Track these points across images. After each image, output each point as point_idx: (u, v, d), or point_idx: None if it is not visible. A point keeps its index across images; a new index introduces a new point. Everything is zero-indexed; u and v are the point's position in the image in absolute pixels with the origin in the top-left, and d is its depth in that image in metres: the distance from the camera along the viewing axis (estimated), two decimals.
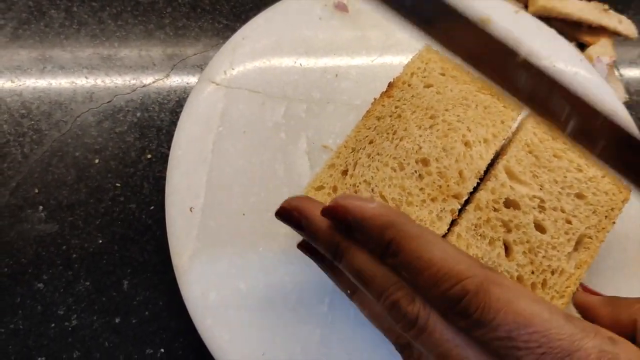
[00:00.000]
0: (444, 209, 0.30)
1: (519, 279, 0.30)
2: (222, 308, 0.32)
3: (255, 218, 0.35)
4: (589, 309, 0.28)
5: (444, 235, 0.31)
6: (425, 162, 0.31)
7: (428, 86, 0.34)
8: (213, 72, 0.38)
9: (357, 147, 0.32)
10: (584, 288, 0.30)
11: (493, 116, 0.34)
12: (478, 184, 0.32)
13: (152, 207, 0.38)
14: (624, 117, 0.42)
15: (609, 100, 0.43)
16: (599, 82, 0.43)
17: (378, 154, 0.32)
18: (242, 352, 0.31)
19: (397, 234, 0.23)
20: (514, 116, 0.34)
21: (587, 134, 0.23)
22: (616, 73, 0.50)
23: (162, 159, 0.40)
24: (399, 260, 0.22)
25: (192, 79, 0.43)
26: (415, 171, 0.31)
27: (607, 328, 0.22)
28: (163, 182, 0.38)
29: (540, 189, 0.32)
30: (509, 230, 0.31)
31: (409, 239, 0.22)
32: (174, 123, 0.41)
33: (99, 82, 0.42)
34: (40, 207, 0.37)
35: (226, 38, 0.42)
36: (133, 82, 0.42)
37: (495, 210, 0.31)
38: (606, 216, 0.33)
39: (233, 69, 0.39)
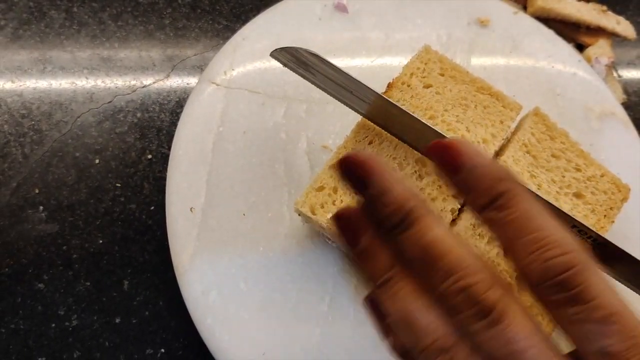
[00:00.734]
0: (443, 208, 0.30)
1: (518, 278, 0.30)
2: (223, 308, 0.32)
3: (255, 218, 0.35)
4: None
5: None
6: (424, 162, 0.32)
7: (427, 86, 0.34)
8: (213, 72, 0.38)
9: (356, 147, 0.32)
10: None
11: (492, 116, 0.34)
12: None
13: (152, 207, 0.39)
14: (622, 118, 0.42)
15: (608, 100, 0.43)
16: (597, 83, 0.43)
17: (377, 154, 0.32)
18: (243, 351, 0.32)
19: (512, 188, 0.21)
20: (513, 116, 0.34)
21: None
22: (614, 74, 0.50)
23: (163, 159, 0.40)
24: (504, 214, 0.20)
25: (192, 80, 0.43)
26: (415, 171, 0.31)
27: None
28: (163, 182, 0.38)
29: (538, 188, 0.32)
30: None
31: (523, 197, 0.21)
32: (174, 123, 0.41)
33: (99, 82, 0.42)
34: (41, 208, 0.37)
35: (226, 39, 0.42)
36: (133, 82, 0.42)
37: None
38: (605, 215, 0.33)
39: (233, 69, 0.39)
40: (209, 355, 0.32)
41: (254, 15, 0.42)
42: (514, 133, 0.35)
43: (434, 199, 0.31)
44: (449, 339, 0.20)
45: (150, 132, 0.41)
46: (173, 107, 0.42)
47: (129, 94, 0.42)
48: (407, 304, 0.21)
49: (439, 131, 0.29)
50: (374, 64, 0.41)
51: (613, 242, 0.29)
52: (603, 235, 0.32)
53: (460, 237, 0.25)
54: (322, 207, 0.31)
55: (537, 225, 0.20)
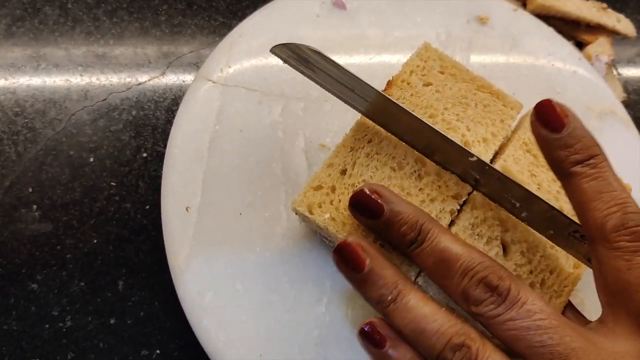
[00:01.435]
0: (443, 209, 0.30)
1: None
2: (219, 309, 0.32)
3: (252, 217, 0.34)
4: None
5: None
6: (424, 161, 0.31)
7: (427, 84, 0.34)
8: (209, 70, 0.38)
9: (355, 146, 0.31)
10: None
11: (493, 115, 0.33)
12: None
13: (147, 207, 0.38)
14: (622, 117, 0.42)
15: (608, 99, 0.43)
16: (597, 82, 0.43)
17: (377, 153, 0.31)
18: (239, 353, 0.31)
19: (602, 154, 0.25)
20: (514, 115, 0.34)
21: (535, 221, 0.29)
22: (614, 72, 0.50)
23: (158, 158, 0.40)
24: (596, 171, 0.25)
25: (188, 77, 0.43)
26: (415, 171, 0.31)
27: None
28: (159, 181, 0.37)
29: (539, 188, 0.32)
30: (506, 230, 0.31)
31: (607, 163, 0.25)
32: (169, 121, 0.41)
33: (93, 80, 0.41)
34: (34, 207, 0.37)
35: (222, 35, 0.41)
36: (128, 80, 0.42)
37: (491, 209, 0.31)
38: None
39: (229, 66, 0.38)
40: (204, 356, 0.31)
41: (251, 12, 0.41)
42: (514, 132, 0.35)
43: (433, 199, 0.30)
44: (461, 336, 0.23)
45: (146, 130, 0.40)
46: (169, 104, 0.42)
47: (124, 91, 0.41)
48: (417, 311, 0.24)
49: (439, 131, 0.29)
50: (372, 62, 0.41)
51: None
52: None
53: (462, 240, 0.27)
54: (320, 206, 0.30)
55: (616, 187, 0.24)
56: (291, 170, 0.36)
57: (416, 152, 0.31)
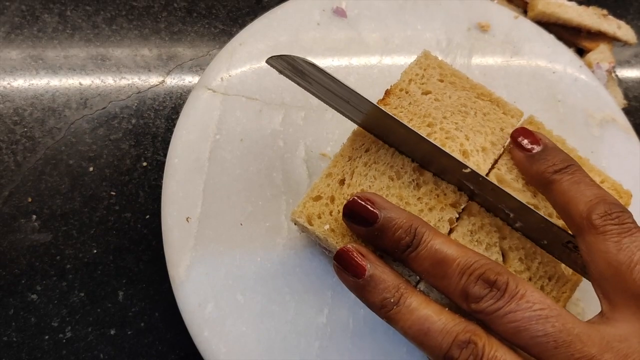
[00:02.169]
0: (441, 218, 0.30)
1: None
2: (220, 320, 0.32)
3: (253, 228, 0.34)
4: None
5: None
6: (422, 170, 0.31)
7: (426, 93, 0.33)
8: (210, 78, 0.38)
9: (353, 155, 0.31)
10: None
11: (492, 123, 0.33)
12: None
13: (147, 216, 0.38)
14: (623, 125, 0.42)
15: (609, 107, 0.43)
16: (598, 89, 0.43)
17: (375, 162, 0.31)
18: None
19: (575, 164, 0.29)
20: (514, 123, 0.34)
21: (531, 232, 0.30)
22: (615, 79, 0.50)
23: (158, 167, 0.39)
24: (570, 177, 0.28)
25: (188, 85, 0.43)
26: (413, 180, 0.31)
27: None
28: (159, 190, 0.37)
29: (534, 196, 0.32)
30: (503, 237, 0.31)
31: (581, 169, 0.29)
32: (169, 130, 0.41)
33: (93, 88, 0.41)
34: (34, 217, 0.37)
35: (222, 43, 0.41)
36: (128, 88, 0.42)
37: (489, 216, 0.31)
38: None
39: (230, 75, 0.38)
40: None
41: (251, 20, 0.41)
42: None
43: (432, 208, 0.30)
44: (467, 333, 0.23)
45: (146, 138, 0.40)
46: (168, 113, 0.41)
47: (123, 99, 0.41)
48: (420, 313, 0.24)
49: (434, 143, 0.29)
50: (372, 70, 0.41)
51: None
52: None
53: (456, 241, 0.27)
54: (319, 217, 0.30)
55: (594, 185, 0.27)
56: (292, 179, 0.36)
57: (414, 162, 0.31)
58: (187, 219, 0.34)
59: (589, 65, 0.47)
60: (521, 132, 0.31)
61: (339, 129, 0.38)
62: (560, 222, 0.31)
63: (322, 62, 0.40)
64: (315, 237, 0.31)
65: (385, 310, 0.25)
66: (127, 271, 0.36)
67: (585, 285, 0.30)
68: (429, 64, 0.34)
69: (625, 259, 0.24)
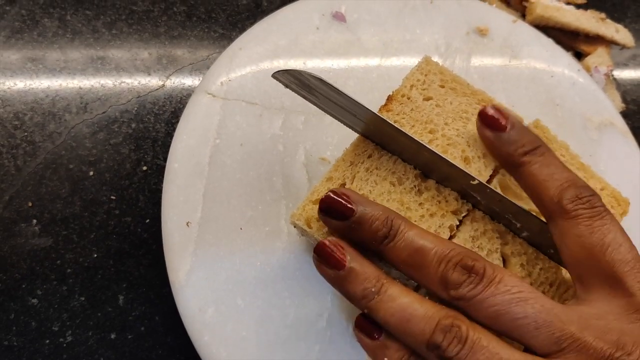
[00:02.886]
0: (442, 224, 0.30)
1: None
2: (220, 324, 0.32)
3: (253, 232, 0.34)
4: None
5: None
6: (424, 177, 0.31)
7: (427, 99, 0.34)
8: (209, 83, 0.38)
9: (355, 161, 0.31)
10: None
11: None
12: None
13: (147, 220, 0.38)
14: (621, 128, 0.42)
15: (607, 110, 0.43)
16: (596, 93, 0.43)
17: (376, 168, 0.31)
18: None
19: (543, 145, 0.29)
20: None
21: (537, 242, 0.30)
22: (613, 82, 0.50)
23: (158, 171, 0.39)
24: (541, 158, 0.28)
25: (187, 89, 0.43)
26: (415, 186, 0.31)
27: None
28: (159, 194, 0.37)
29: None
30: (505, 243, 0.31)
31: (550, 150, 0.29)
32: (169, 134, 0.41)
33: (93, 92, 0.41)
34: (34, 221, 0.37)
35: (222, 47, 0.41)
36: (128, 92, 0.42)
37: (491, 222, 0.31)
38: None
39: (230, 80, 0.38)
40: None
41: (251, 24, 0.41)
42: None
43: (433, 214, 0.30)
44: (449, 317, 0.23)
45: (146, 143, 0.40)
46: (168, 117, 0.41)
47: (123, 104, 0.41)
48: (402, 300, 0.24)
49: (436, 152, 0.29)
50: (372, 74, 0.41)
51: None
52: None
53: (431, 232, 0.28)
54: (319, 220, 0.30)
55: (564, 169, 0.27)
56: (291, 184, 0.36)
57: (416, 169, 0.31)
58: (187, 223, 0.34)
59: (587, 69, 0.47)
60: (489, 110, 0.30)
61: (339, 133, 0.38)
62: None
63: (322, 66, 0.40)
64: (314, 240, 0.31)
65: (366, 300, 0.25)
66: (127, 275, 0.36)
67: None
68: (430, 69, 0.34)
69: (598, 242, 0.24)
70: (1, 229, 0.36)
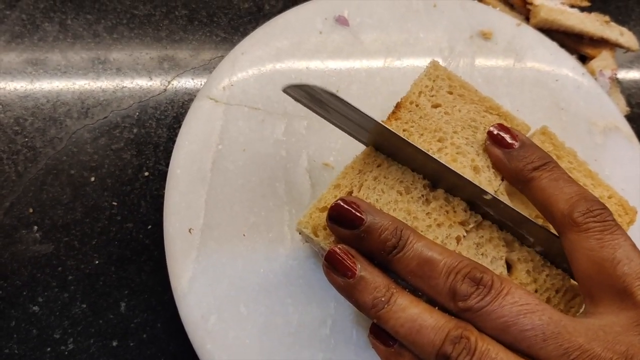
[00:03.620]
0: (449, 235, 0.30)
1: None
2: (223, 332, 0.32)
3: (256, 238, 0.34)
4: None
5: None
6: (432, 187, 0.31)
7: (436, 106, 0.33)
8: (212, 88, 0.38)
9: (364, 169, 0.31)
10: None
11: None
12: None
13: (149, 227, 0.38)
14: (626, 132, 0.42)
15: (612, 114, 0.42)
16: (601, 97, 0.43)
17: (385, 177, 0.31)
18: None
19: (553, 161, 0.29)
20: None
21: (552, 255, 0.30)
22: (617, 85, 0.50)
23: (160, 177, 0.39)
24: (550, 174, 0.28)
25: (189, 94, 0.43)
26: (422, 195, 0.30)
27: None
28: (161, 200, 0.37)
29: None
30: (512, 250, 0.30)
31: (558, 166, 0.29)
32: (171, 139, 0.40)
33: (94, 97, 0.41)
34: (35, 227, 0.37)
35: (224, 51, 0.41)
36: (129, 97, 0.42)
37: (498, 230, 0.30)
38: None
39: (232, 85, 0.38)
40: None
41: (253, 28, 0.41)
42: None
43: (440, 224, 0.30)
44: (459, 328, 0.23)
45: (147, 148, 0.40)
46: (170, 122, 0.41)
47: (125, 108, 0.41)
48: (412, 310, 0.24)
49: (444, 163, 0.29)
50: (375, 78, 0.40)
51: None
52: None
53: (440, 244, 0.28)
54: (325, 228, 0.30)
55: (573, 182, 0.28)
56: (294, 190, 0.36)
57: (424, 179, 0.31)
58: (189, 229, 0.34)
59: (592, 73, 0.47)
60: (498, 127, 0.31)
61: (342, 138, 0.37)
62: None
63: (325, 71, 0.40)
64: (320, 248, 0.30)
65: (376, 309, 0.25)
66: (129, 282, 0.36)
67: None
68: (438, 74, 0.34)
69: (608, 256, 0.24)
70: (2, 235, 0.36)
